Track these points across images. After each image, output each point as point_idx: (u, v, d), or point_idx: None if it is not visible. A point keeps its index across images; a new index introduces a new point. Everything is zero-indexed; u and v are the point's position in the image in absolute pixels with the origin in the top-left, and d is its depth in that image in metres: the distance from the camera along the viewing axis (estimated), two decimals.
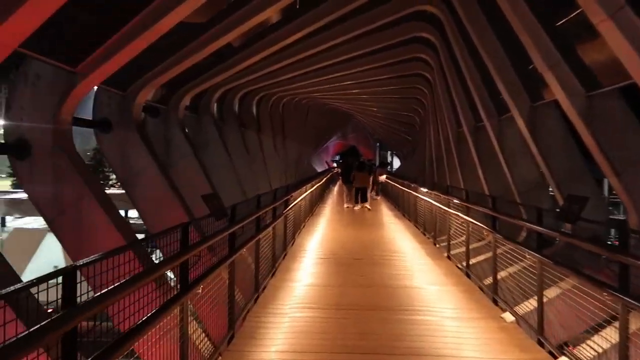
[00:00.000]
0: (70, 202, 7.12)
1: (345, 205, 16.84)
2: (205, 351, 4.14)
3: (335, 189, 26.67)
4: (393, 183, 19.12)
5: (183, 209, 9.80)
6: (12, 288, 1.78)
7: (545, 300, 4.50)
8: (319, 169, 43.28)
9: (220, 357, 4.19)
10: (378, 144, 63.23)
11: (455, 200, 8.48)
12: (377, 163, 38.20)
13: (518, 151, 11.56)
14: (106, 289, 2.22)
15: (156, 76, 9.48)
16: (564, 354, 4.07)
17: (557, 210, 6.11)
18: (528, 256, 4.92)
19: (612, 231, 8.58)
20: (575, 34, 7.92)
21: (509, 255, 5.63)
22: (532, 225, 5.11)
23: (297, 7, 10.81)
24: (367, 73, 18.80)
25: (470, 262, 7.07)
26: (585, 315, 3.93)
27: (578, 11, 7.10)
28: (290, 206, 9.32)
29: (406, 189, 14.69)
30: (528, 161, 11.19)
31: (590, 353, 3.87)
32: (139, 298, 2.91)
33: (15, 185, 32.31)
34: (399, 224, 13.20)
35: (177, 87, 11.99)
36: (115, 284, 2.29)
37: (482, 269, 6.71)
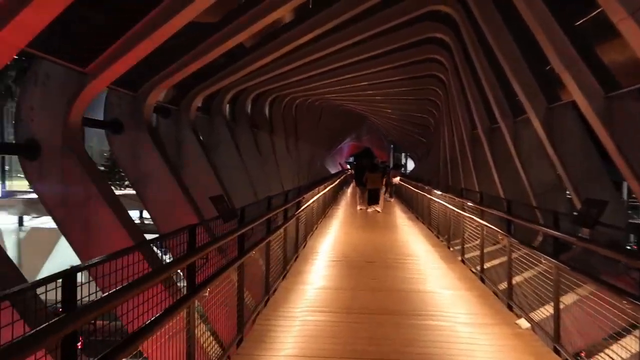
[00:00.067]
0: (79, 203, 7.15)
1: (359, 207, 16.75)
2: (213, 354, 4.10)
3: (349, 190, 26.57)
4: (407, 185, 18.99)
5: (193, 210, 9.81)
6: (10, 290, 1.75)
7: (561, 306, 4.38)
8: (333, 171, 43.20)
9: None
10: (392, 145, 62.98)
11: (470, 203, 8.35)
12: (391, 165, 38.00)
13: (534, 153, 11.37)
14: (107, 293, 2.18)
15: (167, 77, 9.50)
16: None
17: (575, 214, 5.96)
18: (544, 261, 4.79)
19: (632, 236, 8.36)
20: (594, 33, 7.74)
21: (524, 260, 5.50)
22: (548, 230, 4.98)
23: (310, 6, 10.76)
24: (380, 74, 18.70)
25: (485, 266, 6.94)
26: (604, 323, 3.81)
27: (596, 10, 6.94)
28: (302, 208, 9.26)
29: (420, 191, 14.56)
30: (544, 164, 10.99)
31: None
32: (147, 299, 2.88)
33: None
34: (413, 227, 13.06)
35: (188, 88, 12.02)
36: (117, 288, 2.25)
37: (497, 273, 6.58)
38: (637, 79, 6.96)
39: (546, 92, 9.96)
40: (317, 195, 12.46)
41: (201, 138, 13.05)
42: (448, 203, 10.02)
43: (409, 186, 17.83)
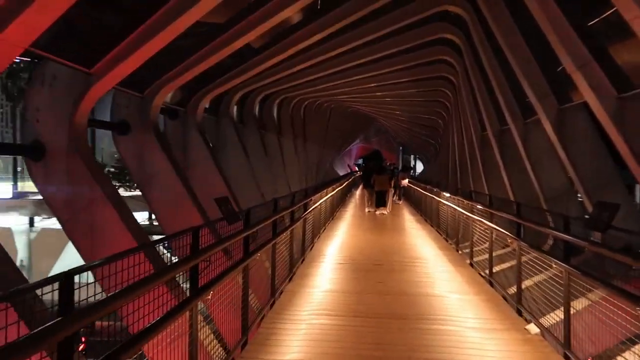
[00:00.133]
0: (83, 204, 7.15)
1: (367, 210, 16.70)
2: (217, 357, 4.06)
3: (357, 192, 26.51)
4: (415, 187, 18.90)
5: (199, 212, 9.79)
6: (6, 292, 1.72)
7: (572, 312, 4.28)
8: (341, 173, 43.12)
9: None
10: (401, 147, 62.77)
11: (479, 206, 8.26)
12: (400, 167, 37.85)
13: (545, 156, 11.22)
14: (104, 296, 2.14)
15: (174, 78, 9.49)
16: None
17: (586, 217, 5.86)
18: (554, 265, 4.69)
19: None
20: (606, 32, 7.62)
21: (534, 264, 5.40)
22: (558, 233, 4.89)
23: (318, 7, 10.71)
24: (389, 75, 18.62)
25: (494, 270, 6.85)
26: (616, 330, 3.71)
27: (608, 9, 6.82)
28: (309, 210, 9.22)
29: (428, 194, 14.47)
30: (555, 166, 10.84)
31: None
32: (149, 301, 2.86)
33: None
34: (421, 230, 12.97)
35: (195, 89, 12.02)
36: (115, 291, 2.21)
37: (506, 277, 6.49)
38: None
39: (557, 93, 9.82)
40: (325, 198, 12.41)
41: (208, 139, 13.04)
42: (457, 206, 9.94)
43: (418, 188, 17.74)
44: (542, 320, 4.85)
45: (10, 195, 33.89)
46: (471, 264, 8.08)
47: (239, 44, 9.44)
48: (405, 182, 21.60)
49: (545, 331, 4.73)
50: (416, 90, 22.45)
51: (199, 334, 3.68)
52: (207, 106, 13.33)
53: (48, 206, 7.36)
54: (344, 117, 36.37)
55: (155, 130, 9.73)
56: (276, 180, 19.04)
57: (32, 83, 7.41)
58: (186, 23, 7.01)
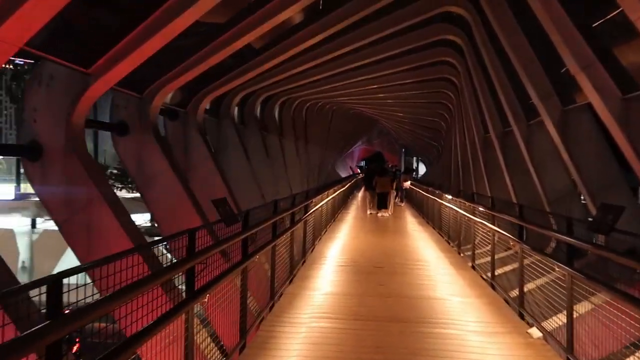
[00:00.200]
0: (80, 205, 7.10)
1: (369, 212, 16.66)
2: None
3: (360, 194, 26.47)
4: (417, 189, 18.85)
5: (198, 214, 9.75)
6: None
7: (575, 315, 4.22)
8: (343, 175, 43.07)
9: None
10: (403, 149, 62.67)
11: (481, 208, 8.20)
12: (402, 169, 37.80)
13: (548, 157, 11.12)
14: (94, 300, 2.09)
15: (173, 78, 9.43)
16: None
17: (590, 220, 5.78)
18: (557, 269, 4.63)
19: None
20: (610, 33, 7.54)
21: (536, 267, 5.34)
22: (561, 236, 4.83)
23: (320, 7, 10.66)
24: (392, 77, 18.58)
25: (496, 273, 6.80)
26: (619, 334, 3.65)
27: (613, 9, 6.75)
28: (310, 212, 9.16)
29: (430, 196, 14.42)
30: (558, 168, 10.75)
31: None
32: (144, 304, 2.81)
33: None
34: (423, 232, 12.91)
35: (196, 90, 11.98)
36: (105, 295, 2.16)
37: (508, 280, 6.43)
38: None
39: (561, 94, 9.74)
40: (327, 199, 12.36)
41: (209, 141, 13.00)
42: (459, 208, 9.89)
43: (420, 190, 17.70)
44: (545, 324, 4.78)
45: (13, 197, 33.98)
46: (473, 267, 8.02)
47: (239, 44, 9.38)
48: (407, 184, 21.57)
49: (547, 335, 4.67)
50: (418, 92, 22.39)
51: (196, 337, 3.63)
52: (207, 107, 13.29)
53: (44, 207, 7.31)
54: (346, 118, 36.32)
55: (155, 132, 9.67)
56: (277, 182, 19.00)
57: (30, 83, 7.37)
58: (185, 23, 6.95)
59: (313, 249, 9.46)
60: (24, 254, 33.04)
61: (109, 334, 2.79)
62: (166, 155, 9.84)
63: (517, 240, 5.95)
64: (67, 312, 1.92)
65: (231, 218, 4.39)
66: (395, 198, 18.72)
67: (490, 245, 7.09)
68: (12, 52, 5.07)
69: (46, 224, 30.06)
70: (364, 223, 14.91)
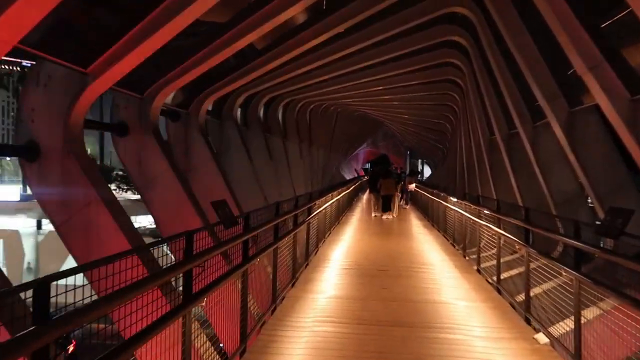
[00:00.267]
0: (78, 206, 7.04)
1: (373, 214, 16.60)
2: None
3: (364, 197, 26.41)
4: (422, 192, 18.77)
5: (199, 216, 9.68)
6: None
7: (583, 321, 4.12)
8: (348, 177, 43.01)
9: None
10: (408, 152, 62.54)
11: (486, 211, 8.11)
12: (407, 171, 37.69)
13: (554, 160, 10.99)
14: (82, 305, 2.02)
15: (174, 79, 9.36)
16: None
17: (598, 223, 5.67)
18: (564, 273, 4.53)
19: None
20: (619, 33, 7.43)
21: (543, 271, 5.24)
22: (568, 240, 4.73)
23: (324, 7, 10.58)
24: (396, 78, 18.50)
25: (502, 277, 6.70)
26: (629, 341, 3.56)
27: (621, 9, 6.64)
28: (314, 214, 9.10)
29: (435, 199, 14.34)
30: (565, 171, 10.61)
31: None
32: (139, 308, 2.75)
33: None
34: (428, 235, 12.82)
35: (198, 90, 11.92)
36: (95, 299, 2.10)
37: (514, 284, 6.34)
38: None
39: (567, 96, 9.62)
40: (331, 202, 12.29)
41: (211, 142, 12.93)
42: (464, 210, 9.81)
43: (425, 193, 17.61)
44: (552, 330, 4.69)
45: (19, 198, 34.17)
46: (478, 270, 7.93)
47: (241, 44, 9.29)
48: (413, 186, 21.49)
49: (554, 341, 4.57)
50: (423, 94, 22.30)
51: (195, 341, 3.56)
52: (210, 108, 13.23)
53: (42, 208, 7.28)
54: (351, 120, 36.25)
55: (155, 132, 9.61)
56: (281, 184, 18.93)
57: (27, 83, 7.33)
58: (185, 22, 6.87)
59: (317, 252, 9.40)
60: (29, 255, 33.18)
61: (104, 335, 2.74)
62: (166, 156, 9.78)
63: (523, 243, 5.86)
64: (55, 316, 1.85)
65: (230, 220, 4.32)
66: (400, 200, 18.65)
67: (495, 249, 7.01)
68: (5, 51, 5.01)
69: (52, 225, 30.19)
70: (369, 225, 14.83)
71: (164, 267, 3.04)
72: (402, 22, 12.36)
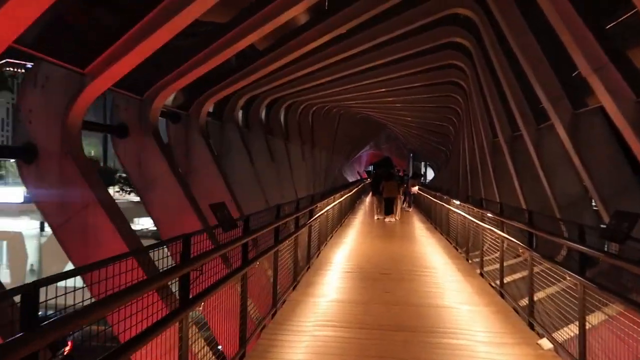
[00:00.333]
0: (75, 209, 6.99)
1: (376, 217, 16.54)
2: None
3: (367, 199, 26.35)
4: (425, 194, 18.70)
5: (199, 219, 9.63)
6: None
7: (587, 327, 4.05)
8: (351, 179, 42.94)
9: None
10: (411, 154, 62.43)
11: (489, 214, 8.04)
12: (410, 174, 37.60)
13: (558, 162, 10.89)
14: (71, 311, 1.97)
15: (174, 80, 9.31)
16: None
17: (602, 227, 5.59)
18: (569, 278, 4.45)
19: None
20: (624, 33, 7.34)
21: (547, 275, 5.17)
22: (573, 244, 4.65)
23: (326, 7, 10.52)
24: (399, 80, 18.45)
25: (505, 281, 6.62)
26: (635, 347, 3.49)
27: (628, 10, 6.56)
28: (315, 217, 9.04)
29: (438, 201, 14.27)
30: (569, 173, 10.52)
31: None
32: (134, 312, 2.70)
33: None
34: (430, 238, 12.75)
35: (198, 92, 11.89)
36: (85, 305, 2.04)
37: (518, 288, 6.25)
38: None
39: (572, 97, 9.54)
40: (333, 204, 12.24)
41: (212, 144, 12.89)
42: (467, 214, 9.74)
43: (428, 196, 17.55)
44: (556, 335, 4.62)
45: (22, 200, 34.25)
46: (481, 274, 7.85)
47: (242, 45, 9.22)
48: (415, 189, 21.42)
49: (558, 347, 4.49)
50: (426, 96, 22.23)
51: (193, 346, 3.51)
52: (211, 110, 13.18)
53: (39, 210, 7.23)
54: (354, 123, 36.19)
55: (155, 134, 9.57)
56: (282, 186, 18.88)
57: (25, 84, 7.29)
58: (184, 22, 6.82)
59: (318, 254, 9.34)
60: (32, 257, 33.25)
61: (104, 337, 2.70)
62: (167, 158, 9.73)
63: (526, 247, 5.78)
64: (44, 323, 1.80)
65: (229, 223, 4.26)
66: (403, 203, 18.59)
67: (499, 252, 6.94)
68: (2, 49, 4.97)
69: None
70: (371, 228, 14.77)
71: (161, 270, 2.98)
72: (404, 23, 12.30)
